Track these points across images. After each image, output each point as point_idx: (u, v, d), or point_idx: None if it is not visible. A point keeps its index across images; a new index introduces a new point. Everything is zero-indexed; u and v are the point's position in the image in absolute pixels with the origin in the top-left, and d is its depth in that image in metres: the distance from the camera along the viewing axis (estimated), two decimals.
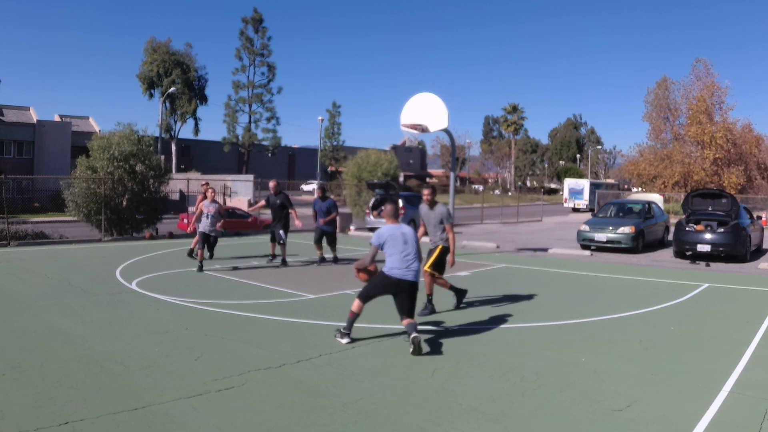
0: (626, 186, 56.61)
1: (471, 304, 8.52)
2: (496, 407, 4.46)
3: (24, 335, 6.33)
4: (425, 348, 6.04)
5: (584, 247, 16.65)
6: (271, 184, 12.61)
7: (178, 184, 35.85)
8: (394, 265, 6.11)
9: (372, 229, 21.77)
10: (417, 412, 4.34)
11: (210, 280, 10.30)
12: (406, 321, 6.02)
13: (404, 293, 6.07)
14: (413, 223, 21.29)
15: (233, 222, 20.69)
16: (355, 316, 6.25)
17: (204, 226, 11.53)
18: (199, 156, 67.86)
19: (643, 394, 4.79)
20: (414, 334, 5.82)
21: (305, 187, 59.58)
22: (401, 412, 4.32)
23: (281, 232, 12.39)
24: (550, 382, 5.06)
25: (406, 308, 6.07)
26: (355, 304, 6.22)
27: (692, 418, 4.28)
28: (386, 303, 8.53)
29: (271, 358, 5.66)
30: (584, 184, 51.00)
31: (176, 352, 5.78)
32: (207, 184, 12.79)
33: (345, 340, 6.27)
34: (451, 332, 6.88)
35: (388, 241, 6.18)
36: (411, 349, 5.78)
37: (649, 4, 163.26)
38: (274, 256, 12.89)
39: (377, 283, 6.21)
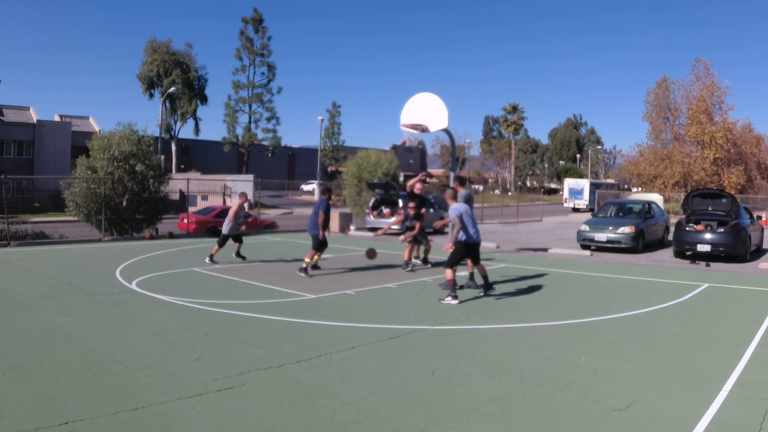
0: (626, 186, 56.57)
1: (471, 304, 8.52)
2: (496, 407, 4.45)
3: (24, 335, 6.33)
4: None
5: (584, 247, 16.64)
6: (414, 183, 12.47)
7: (178, 184, 35.86)
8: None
9: (372, 229, 21.68)
10: (417, 412, 4.34)
11: (210, 280, 10.29)
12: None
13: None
14: None
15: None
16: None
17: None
18: (199, 156, 67.88)
19: (643, 394, 4.78)
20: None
21: (305, 187, 59.61)
22: (401, 412, 4.32)
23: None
24: (550, 382, 5.06)
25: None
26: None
27: (692, 418, 4.28)
28: (386, 303, 8.54)
29: (271, 358, 5.66)
30: (584, 184, 50.96)
31: (176, 352, 5.78)
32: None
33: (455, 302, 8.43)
34: (451, 332, 6.88)
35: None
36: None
37: (649, 4, 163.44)
38: (426, 260, 12.69)
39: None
